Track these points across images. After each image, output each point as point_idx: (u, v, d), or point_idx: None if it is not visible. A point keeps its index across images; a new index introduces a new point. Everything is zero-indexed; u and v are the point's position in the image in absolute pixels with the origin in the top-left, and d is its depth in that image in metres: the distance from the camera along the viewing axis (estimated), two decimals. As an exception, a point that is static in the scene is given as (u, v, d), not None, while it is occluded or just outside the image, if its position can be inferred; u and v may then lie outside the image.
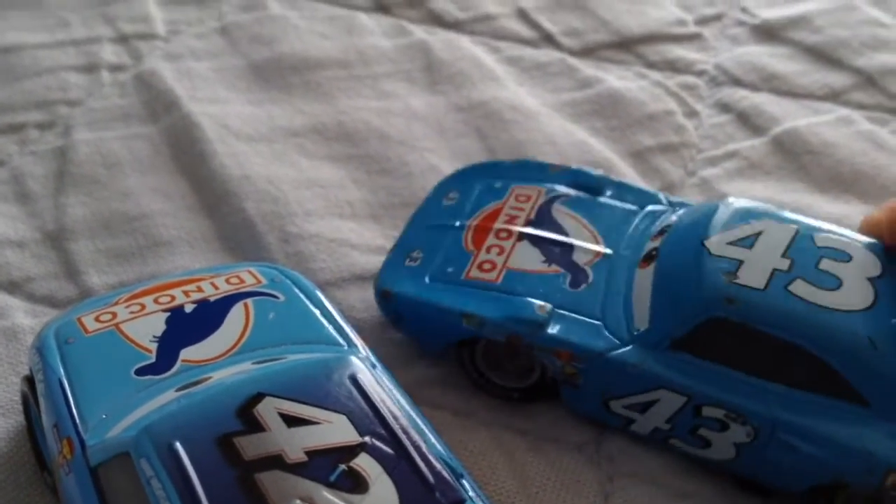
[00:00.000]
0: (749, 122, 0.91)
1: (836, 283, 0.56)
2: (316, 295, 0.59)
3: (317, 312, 0.58)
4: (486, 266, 0.62)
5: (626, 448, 0.60)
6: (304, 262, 0.70)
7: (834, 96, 0.95)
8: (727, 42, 1.04)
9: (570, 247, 0.63)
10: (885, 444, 0.52)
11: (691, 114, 0.92)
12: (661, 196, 0.69)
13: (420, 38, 1.00)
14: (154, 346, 0.53)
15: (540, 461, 0.59)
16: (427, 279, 0.62)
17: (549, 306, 0.58)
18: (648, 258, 0.61)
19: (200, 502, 0.41)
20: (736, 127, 0.91)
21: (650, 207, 0.67)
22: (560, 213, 0.66)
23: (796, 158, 0.86)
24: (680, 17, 1.07)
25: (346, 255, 0.72)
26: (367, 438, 0.45)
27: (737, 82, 0.97)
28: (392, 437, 0.45)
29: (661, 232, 0.63)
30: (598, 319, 0.58)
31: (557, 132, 0.88)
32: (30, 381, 0.54)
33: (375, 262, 0.72)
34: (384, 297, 0.62)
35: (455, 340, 0.61)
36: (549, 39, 1.03)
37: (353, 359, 0.50)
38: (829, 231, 0.60)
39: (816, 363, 0.53)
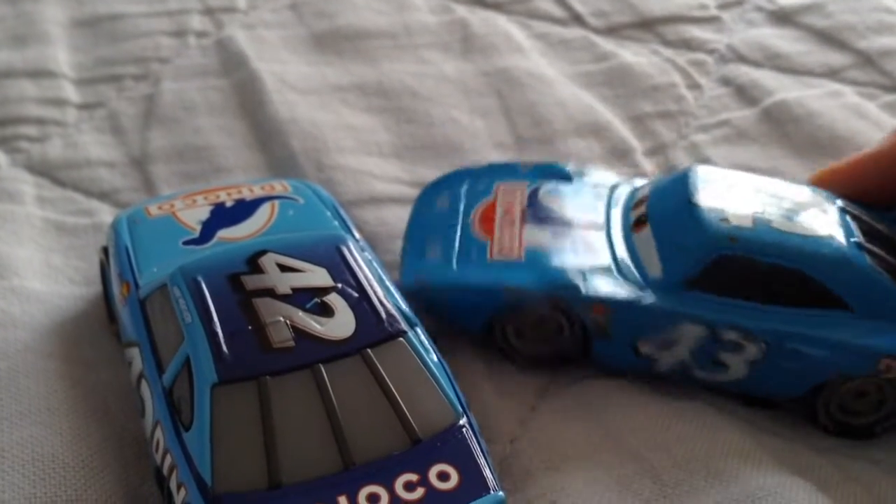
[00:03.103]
0: (745, 94, 1.01)
1: (800, 218, 0.67)
2: (330, 201, 0.74)
3: (328, 213, 0.72)
4: (505, 247, 0.70)
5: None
6: (332, 185, 0.85)
7: (831, 74, 1.04)
8: (743, 25, 1.14)
9: (569, 223, 0.72)
10: (872, 337, 0.63)
11: (694, 86, 1.03)
12: (615, 175, 0.79)
13: (461, 16, 1.14)
14: (199, 227, 0.69)
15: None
16: (455, 265, 0.69)
17: (577, 270, 0.67)
18: (639, 223, 0.71)
19: (211, 314, 0.56)
20: (732, 98, 1.01)
21: (612, 184, 0.77)
22: (546, 198, 0.75)
23: (781, 127, 0.96)
24: (702, 1, 1.17)
25: (368, 182, 0.86)
26: (339, 285, 0.59)
27: (742, 59, 1.07)
28: (359, 287, 0.59)
29: (639, 202, 0.73)
30: (616, 277, 0.67)
31: (567, 96, 1.00)
32: (105, 251, 0.71)
33: (391, 189, 0.87)
34: (420, 288, 0.68)
35: (493, 314, 0.68)
36: (577, 19, 1.15)
37: (344, 236, 0.65)
38: (779, 182, 0.72)
39: (808, 281, 0.64)
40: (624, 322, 0.66)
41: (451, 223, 0.73)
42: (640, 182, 0.78)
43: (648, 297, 0.66)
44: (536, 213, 0.73)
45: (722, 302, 0.65)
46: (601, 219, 0.73)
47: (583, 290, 0.66)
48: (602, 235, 0.71)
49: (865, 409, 0.66)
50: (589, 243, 0.70)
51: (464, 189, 0.77)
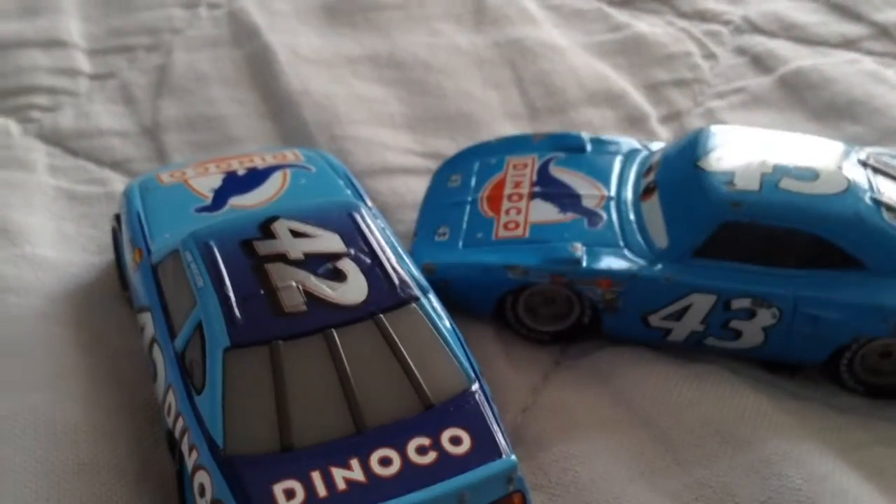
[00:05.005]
0: (761, 63, 1.00)
1: (814, 175, 0.65)
2: (342, 170, 0.74)
3: (340, 182, 0.72)
4: (511, 225, 0.69)
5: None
6: (344, 155, 0.84)
7: (847, 44, 1.03)
8: (759, -4, 1.12)
9: (578, 196, 0.71)
10: (889, 295, 0.62)
11: (709, 56, 1.02)
12: (635, 141, 0.78)
13: (474, -13, 1.13)
14: (211, 194, 0.69)
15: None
16: (461, 246, 0.69)
17: (580, 245, 0.66)
18: (648, 191, 0.70)
19: (223, 279, 0.56)
20: (748, 67, 1.00)
21: (628, 151, 0.76)
22: (556, 171, 0.74)
23: (798, 93, 0.95)
24: (719, -27, 1.16)
25: (380, 153, 0.86)
26: (351, 250, 0.59)
27: (757, 30, 1.06)
28: (372, 253, 0.59)
29: (650, 169, 0.72)
30: (622, 249, 0.66)
31: (581, 66, 0.99)
32: (118, 218, 0.71)
33: (403, 160, 0.87)
34: (428, 272, 0.68)
35: (501, 293, 0.67)
36: (591, -10, 1.14)
37: (356, 202, 0.64)
38: (799, 136, 0.70)
39: (818, 242, 0.62)
40: (630, 295, 0.65)
41: (460, 202, 0.73)
42: (656, 147, 0.76)
43: (654, 269, 0.65)
44: (545, 187, 0.72)
45: (730, 269, 0.64)
46: (612, 189, 0.72)
47: (585, 265, 0.65)
48: (611, 206, 0.70)
49: (892, 369, 0.64)
50: (596, 215, 0.69)
51: (476, 166, 0.76)
